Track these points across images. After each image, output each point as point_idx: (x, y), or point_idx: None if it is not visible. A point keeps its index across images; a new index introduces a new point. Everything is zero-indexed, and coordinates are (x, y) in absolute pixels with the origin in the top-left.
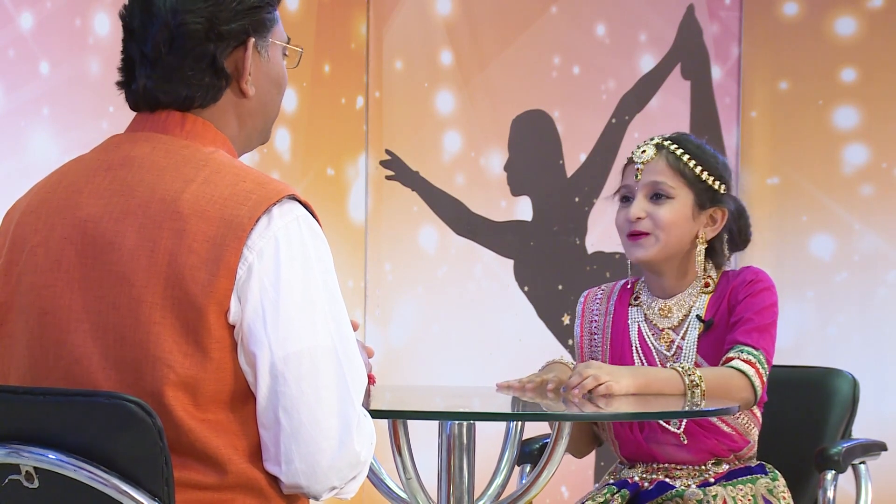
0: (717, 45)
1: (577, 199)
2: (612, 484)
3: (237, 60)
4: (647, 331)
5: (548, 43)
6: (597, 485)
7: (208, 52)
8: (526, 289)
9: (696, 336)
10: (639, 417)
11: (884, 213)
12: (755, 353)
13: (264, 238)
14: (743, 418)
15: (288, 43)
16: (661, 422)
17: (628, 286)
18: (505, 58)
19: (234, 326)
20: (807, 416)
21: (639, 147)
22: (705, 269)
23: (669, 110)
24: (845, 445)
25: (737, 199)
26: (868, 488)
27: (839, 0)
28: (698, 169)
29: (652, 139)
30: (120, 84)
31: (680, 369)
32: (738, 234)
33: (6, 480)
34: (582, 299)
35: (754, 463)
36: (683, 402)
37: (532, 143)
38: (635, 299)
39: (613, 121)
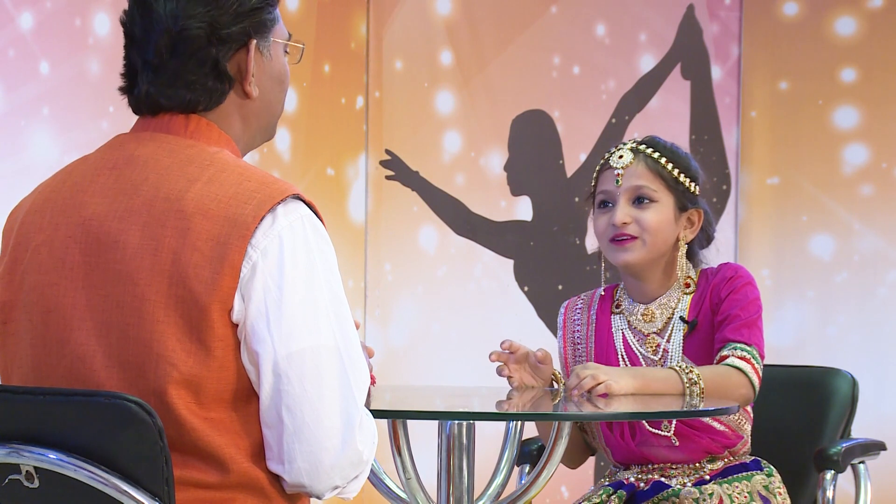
0: (717, 45)
1: (577, 199)
2: (608, 485)
3: (239, 62)
4: (632, 337)
5: (548, 43)
6: (592, 487)
7: (210, 56)
8: (526, 289)
9: (681, 338)
10: (639, 417)
11: (884, 213)
12: (748, 349)
13: (268, 237)
14: (735, 414)
15: (289, 40)
16: (648, 426)
17: (606, 293)
18: (505, 58)
19: (237, 325)
20: (806, 415)
21: (614, 152)
22: (685, 270)
23: (669, 110)
24: (844, 445)
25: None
26: (867, 488)
27: (839, 0)
28: (676, 171)
29: (625, 144)
30: (122, 90)
31: (678, 368)
32: (703, 232)
33: (6, 480)
34: (562, 310)
35: (748, 459)
36: (682, 402)
37: (532, 143)
38: (616, 307)
39: (613, 121)
